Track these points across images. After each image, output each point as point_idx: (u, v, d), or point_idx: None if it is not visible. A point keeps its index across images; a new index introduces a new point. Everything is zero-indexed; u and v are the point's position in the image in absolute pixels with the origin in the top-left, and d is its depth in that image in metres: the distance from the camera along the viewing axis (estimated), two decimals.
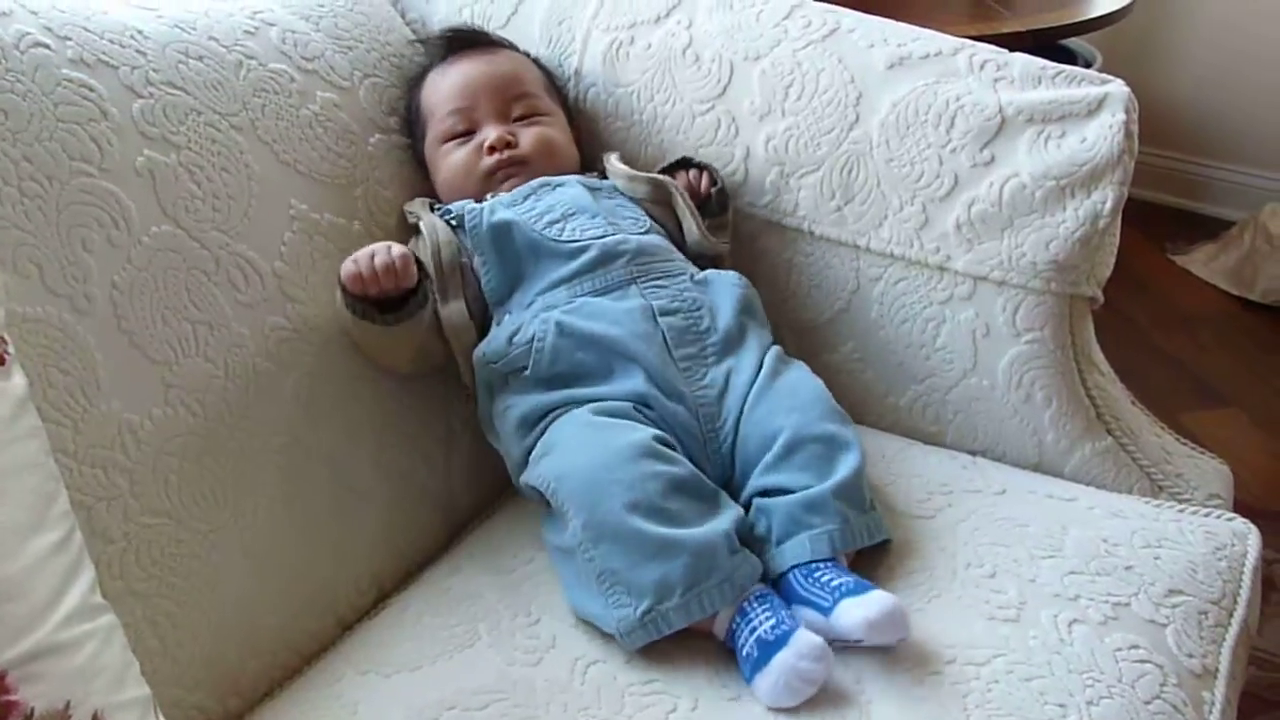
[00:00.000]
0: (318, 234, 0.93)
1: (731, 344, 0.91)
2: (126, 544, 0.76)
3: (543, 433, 0.86)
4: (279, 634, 0.84)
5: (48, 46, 0.81)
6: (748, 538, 0.81)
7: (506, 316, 0.93)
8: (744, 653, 0.74)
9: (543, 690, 0.75)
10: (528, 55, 1.09)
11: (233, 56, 0.93)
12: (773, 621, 0.74)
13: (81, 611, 0.59)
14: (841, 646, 0.75)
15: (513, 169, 1.00)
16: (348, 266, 0.88)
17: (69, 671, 0.57)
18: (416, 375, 0.95)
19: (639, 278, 0.92)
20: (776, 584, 0.80)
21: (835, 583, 0.76)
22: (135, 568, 0.76)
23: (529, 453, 0.87)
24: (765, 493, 0.83)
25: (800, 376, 0.90)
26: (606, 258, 0.92)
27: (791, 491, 0.82)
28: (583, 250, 0.92)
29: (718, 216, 1.03)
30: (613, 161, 1.03)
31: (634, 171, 1.02)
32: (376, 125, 1.02)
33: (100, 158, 0.80)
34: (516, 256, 0.94)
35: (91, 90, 0.82)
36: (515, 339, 0.89)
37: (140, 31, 0.88)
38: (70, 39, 0.83)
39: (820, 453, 0.83)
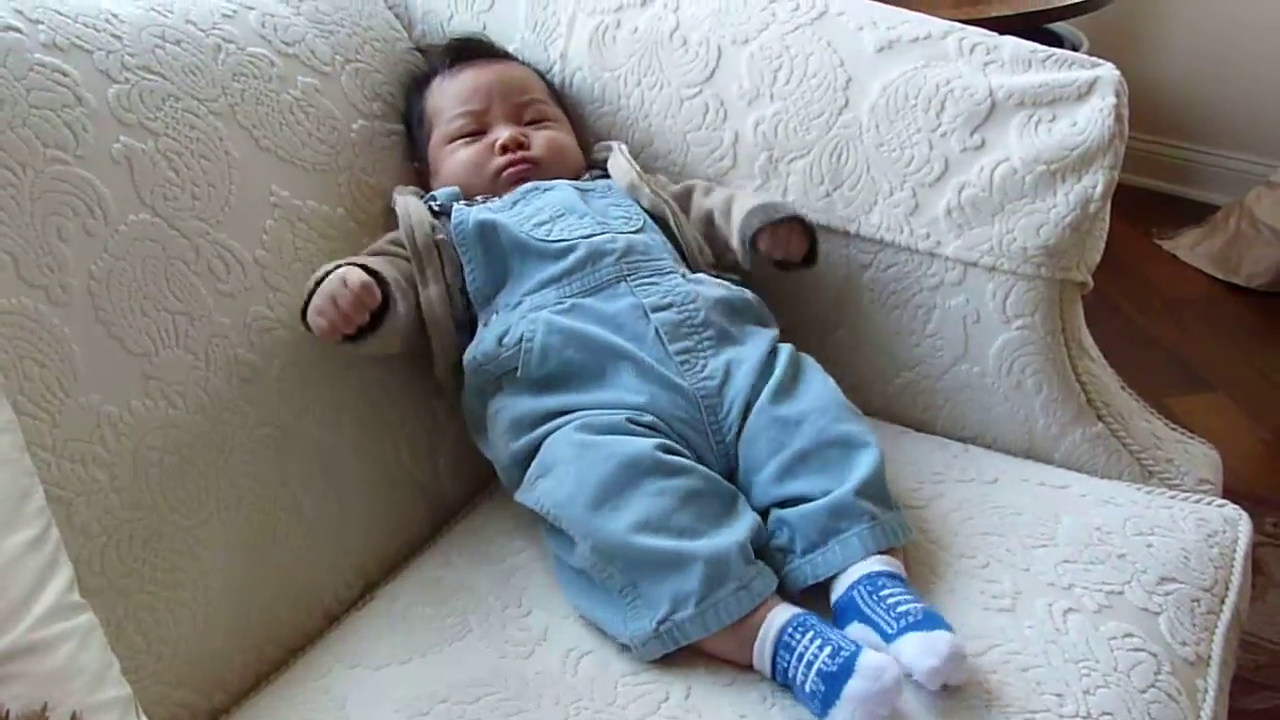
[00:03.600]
0: (300, 221, 0.91)
1: (729, 334, 0.88)
2: (107, 539, 0.74)
3: (535, 443, 0.84)
4: (265, 628, 0.83)
5: (19, 30, 0.79)
6: (766, 550, 0.79)
7: (494, 317, 0.91)
8: (807, 690, 0.70)
9: (535, 683, 0.74)
10: (530, 67, 1.08)
11: (211, 40, 0.91)
12: (829, 650, 0.70)
13: (58, 610, 0.58)
14: None
15: (524, 169, 0.99)
16: (317, 322, 0.85)
17: (46, 672, 0.56)
18: (409, 356, 0.93)
19: (628, 275, 0.90)
20: (825, 602, 0.77)
21: (902, 608, 0.73)
22: (117, 563, 0.75)
23: (519, 461, 0.85)
24: (784, 503, 0.81)
25: (814, 377, 0.88)
26: (594, 256, 0.90)
27: (812, 499, 0.79)
28: (570, 250, 0.90)
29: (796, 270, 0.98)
30: (617, 158, 1.00)
31: (638, 180, 0.98)
32: (359, 111, 1.01)
33: (75, 145, 0.78)
34: (502, 256, 0.92)
35: (65, 75, 0.80)
36: (505, 340, 0.88)
37: (115, 15, 0.86)
38: (42, 22, 0.81)
39: (837, 455, 0.81)
